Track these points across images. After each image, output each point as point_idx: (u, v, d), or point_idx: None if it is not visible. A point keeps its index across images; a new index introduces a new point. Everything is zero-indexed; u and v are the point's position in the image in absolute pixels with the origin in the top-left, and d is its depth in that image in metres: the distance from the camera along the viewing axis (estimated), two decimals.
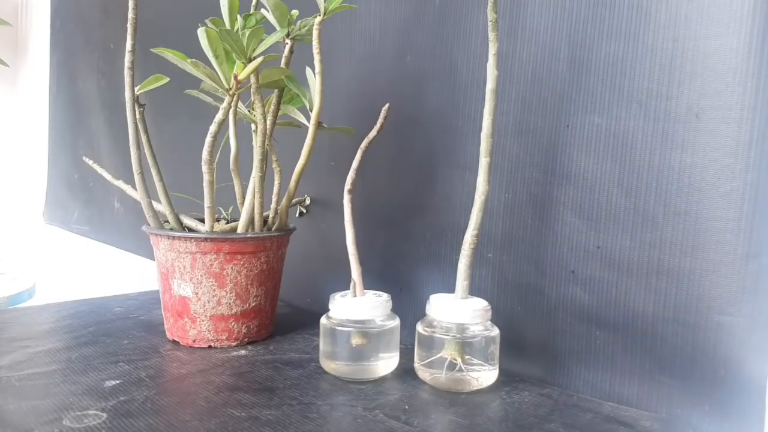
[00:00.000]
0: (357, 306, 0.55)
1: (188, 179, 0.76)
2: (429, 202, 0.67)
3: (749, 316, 0.45)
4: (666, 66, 0.48)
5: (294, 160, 0.65)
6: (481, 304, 0.54)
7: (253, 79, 0.62)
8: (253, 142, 0.65)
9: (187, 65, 0.59)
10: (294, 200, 0.76)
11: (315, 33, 0.60)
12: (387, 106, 0.58)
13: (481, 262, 0.61)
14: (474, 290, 0.56)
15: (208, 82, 0.61)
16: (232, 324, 0.64)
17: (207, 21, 0.60)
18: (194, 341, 0.64)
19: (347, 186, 0.58)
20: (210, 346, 0.63)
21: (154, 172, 0.67)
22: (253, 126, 0.67)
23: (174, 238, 0.62)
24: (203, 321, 0.63)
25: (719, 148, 0.46)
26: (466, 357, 0.52)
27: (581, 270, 0.54)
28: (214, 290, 0.62)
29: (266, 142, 0.64)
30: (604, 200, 0.53)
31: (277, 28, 0.63)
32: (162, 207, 0.67)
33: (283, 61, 0.65)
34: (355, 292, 0.57)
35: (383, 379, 0.55)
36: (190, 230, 0.66)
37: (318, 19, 0.60)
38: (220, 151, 0.69)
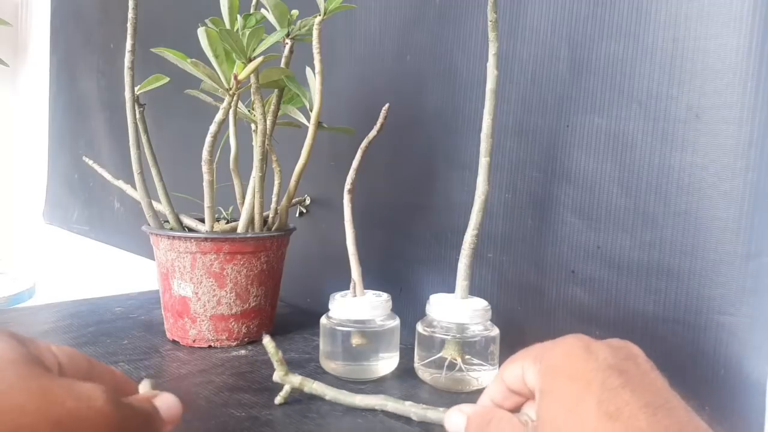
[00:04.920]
0: (357, 306, 0.55)
1: (188, 179, 0.76)
2: (429, 202, 0.67)
3: (749, 316, 0.45)
4: (666, 66, 0.48)
5: (294, 160, 0.65)
6: (481, 304, 0.54)
7: (253, 79, 0.62)
8: (253, 142, 0.65)
9: (187, 65, 0.59)
10: (294, 200, 0.76)
11: (315, 33, 0.60)
12: (387, 106, 0.58)
13: (481, 262, 0.61)
14: (474, 290, 0.55)
15: (208, 82, 0.61)
16: (232, 324, 0.64)
17: (207, 21, 0.60)
18: (194, 341, 0.64)
19: (347, 186, 0.58)
20: (210, 346, 0.63)
21: (154, 172, 0.67)
22: (253, 126, 0.67)
23: (174, 238, 0.62)
24: (203, 321, 0.63)
25: (719, 147, 0.46)
26: (466, 357, 0.52)
27: (581, 270, 0.54)
28: (214, 290, 0.62)
29: (266, 142, 0.64)
30: (604, 200, 0.53)
31: (277, 28, 0.63)
32: (162, 207, 0.67)
33: (283, 61, 0.65)
34: (355, 292, 0.57)
35: (383, 379, 0.55)
36: (190, 230, 0.66)
37: (318, 19, 0.60)
38: (220, 151, 0.69)
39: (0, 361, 0.25)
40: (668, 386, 0.30)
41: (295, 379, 0.49)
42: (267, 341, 0.47)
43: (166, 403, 0.34)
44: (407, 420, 0.46)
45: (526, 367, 0.34)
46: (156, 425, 0.32)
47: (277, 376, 0.49)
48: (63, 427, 0.24)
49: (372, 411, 0.48)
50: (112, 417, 0.27)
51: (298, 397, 0.50)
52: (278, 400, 0.48)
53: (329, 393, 0.48)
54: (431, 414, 0.44)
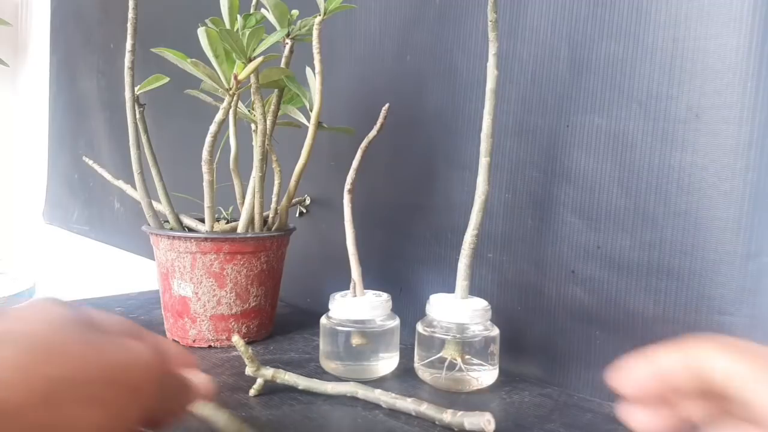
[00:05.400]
0: (357, 306, 0.55)
1: (188, 179, 0.76)
2: (429, 202, 0.67)
3: (749, 316, 0.45)
4: (666, 66, 0.48)
5: (294, 160, 0.65)
6: (481, 304, 0.54)
7: (253, 79, 0.62)
8: (253, 142, 0.65)
9: (187, 65, 0.59)
10: (294, 200, 0.76)
11: (315, 33, 0.60)
12: (387, 106, 0.58)
13: (481, 262, 0.61)
14: (474, 290, 0.56)
15: (208, 82, 0.61)
16: (232, 324, 0.64)
17: (207, 21, 0.60)
18: (194, 341, 0.64)
19: (347, 186, 0.58)
20: (210, 346, 0.63)
21: (154, 172, 0.67)
22: (253, 126, 0.67)
23: (174, 238, 0.62)
24: (203, 321, 0.63)
25: (719, 147, 0.46)
26: (466, 357, 0.52)
27: (581, 270, 0.54)
28: (214, 290, 0.62)
29: (266, 142, 0.64)
30: (604, 200, 0.53)
31: (277, 28, 0.63)
32: (162, 207, 0.67)
33: (283, 61, 0.65)
34: (355, 292, 0.57)
35: (383, 379, 0.55)
36: (190, 230, 0.66)
37: (318, 19, 0.60)
38: (220, 151, 0.70)
39: (62, 320, 0.30)
40: None
41: (267, 372, 0.51)
42: (236, 339, 0.49)
43: (200, 377, 0.38)
44: (407, 419, 0.46)
45: (703, 355, 0.32)
46: (189, 392, 0.36)
47: (249, 371, 0.51)
48: (114, 374, 0.29)
49: (372, 411, 0.48)
50: (156, 371, 0.31)
51: (299, 399, 0.50)
52: (252, 392, 0.50)
53: (302, 383, 0.51)
54: (399, 403, 0.47)
